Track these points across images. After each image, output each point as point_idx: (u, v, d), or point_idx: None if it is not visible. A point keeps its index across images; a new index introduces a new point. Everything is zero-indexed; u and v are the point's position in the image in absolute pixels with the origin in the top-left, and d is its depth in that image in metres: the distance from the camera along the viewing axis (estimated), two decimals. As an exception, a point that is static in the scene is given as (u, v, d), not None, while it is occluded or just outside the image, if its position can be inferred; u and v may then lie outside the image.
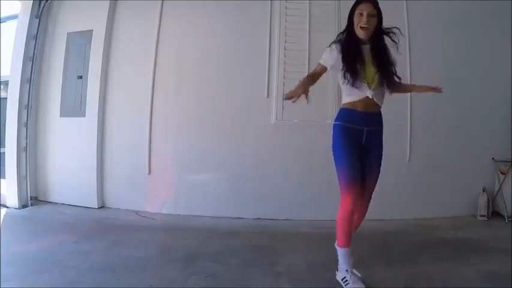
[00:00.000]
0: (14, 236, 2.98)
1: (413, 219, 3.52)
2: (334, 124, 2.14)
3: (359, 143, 2.09)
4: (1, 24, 4.19)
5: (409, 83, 3.62)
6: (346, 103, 2.11)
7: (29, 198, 3.89)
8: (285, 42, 3.70)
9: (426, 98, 3.64)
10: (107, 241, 2.89)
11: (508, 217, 3.52)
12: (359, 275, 2.09)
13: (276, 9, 3.72)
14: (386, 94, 2.15)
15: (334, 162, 2.10)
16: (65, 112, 4.00)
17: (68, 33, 4.01)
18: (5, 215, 3.61)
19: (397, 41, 2.11)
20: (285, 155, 3.68)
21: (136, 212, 3.74)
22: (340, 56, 2.06)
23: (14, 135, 3.84)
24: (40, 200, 4.01)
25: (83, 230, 3.20)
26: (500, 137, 3.69)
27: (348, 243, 2.07)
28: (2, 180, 3.97)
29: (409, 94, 3.63)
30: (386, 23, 3.90)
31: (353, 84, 2.04)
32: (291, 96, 1.87)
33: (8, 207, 3.82)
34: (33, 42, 3.92)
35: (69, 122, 3.97)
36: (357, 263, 2.29)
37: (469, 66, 3.68)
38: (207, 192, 3.73)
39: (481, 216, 3.59)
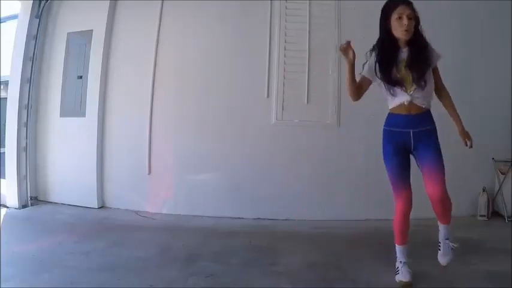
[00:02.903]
0: (14, 236, 2.98)
1: (414, 219, 3.49)
2: (383, 129, 2.19)
3: (406, 146, 2.12)
4: (1, 24, 4.19)
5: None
6: (391, 108, 2.13)
7: (29, 198, 3.89)
8: (285, 42, 3.70)
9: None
10: (107, 241, 2.88)
11: (508, 217, 3.51)
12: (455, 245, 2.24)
13: (276, 9, 3.72)
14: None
15: None
16: (65, 112, 4.00)
17: (68, 33, 4.01)
18: (5, 215, 3.61)
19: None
20: (285, 155, 3.68)
21: (137, 212, 3.74)
22: (376, 65, 2.06)
23: (14, 135, 3.84)
24: (40, 200, 4.01)
25: (83, 230, 3.20)
26: (500, 137, 3.68)
27: (401, 241, 2.23)
28: (2, 180, 3.97)
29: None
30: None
31: (391, 92, 2.07)
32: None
33: (8, 207, 3.82)
34: (33, 42, 3.92)
35: (69, 122, 3.97)
36: (357, 263, 2.30)
37: (469, 66, 3.68)
38: (207, 192, 3.73)
39: (481, 216, 3.58)
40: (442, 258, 2.27)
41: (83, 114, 3.91)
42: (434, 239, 3.01)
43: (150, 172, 3.82)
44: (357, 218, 3.54)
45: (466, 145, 2.26)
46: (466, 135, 2.27)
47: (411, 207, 2.20)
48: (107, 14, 3.87)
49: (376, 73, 2.07)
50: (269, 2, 3.72)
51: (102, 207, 3.89)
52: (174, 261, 2.53)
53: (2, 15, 3.91)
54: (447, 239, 2.26)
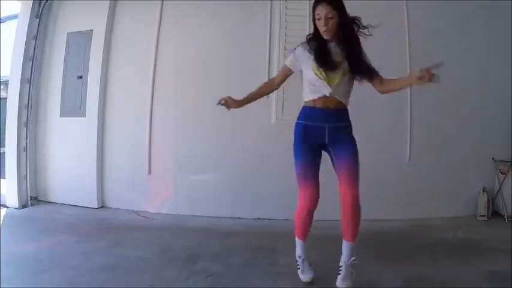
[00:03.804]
0: (14, 236, 2.98)
1: (414, 219, 3.52)
2: (296, 123, 2.18)
3: (320, 141, 2.10)
4: (1, 24, 4.19)
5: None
6: (307, 101, 2.12)
7: (29, 198, 3.89)
8: (285, 42, 3.70)
9: (426, 98, 3.67)
10: (107, 241, 2.89)
11: (508, 217, 3.52)
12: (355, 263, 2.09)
13: (276, 9, 3.72)
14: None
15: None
16: (65, 112, 4.00)
17: (68, 33, 4.01)
18: (5, 215, 3.61)
19: (362, 27, 2.07)
20: (284, 155, 3.65)
21: (137, 212, 3.74)
22: (304, 55, 2.08)
23: (14, 135, 3.84)
24: (40, 200, 4.01)
25: (83, 230, 3.20)
26: (500, 137, 3.69)
27: (301, 236, 2.23)
28: (2, 180, 3.97)
29: (409, 95, 3.65)
30: (386, 23, 3.89)
31: (313, 82, 2.06)
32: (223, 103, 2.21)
33: (8, 207, 3.82)
34: (33, 42, 3.91)
35: (69, 122, 3.97)
36: (356, 263, 2.29)
37: (469, 66, 3.68)
38: (207, 192, 3.73)
39: (481, 216, 3.59)
40: (341, 283, 2.05)
41: (83, 114, 3.91)
42: (432, 239, 3.04)
43: (150, 172, 3.82)
44: (356, 218, 3.53)
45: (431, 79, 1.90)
46: (423, 72, 1.92)
47: (316, 205, 2.12)
48: (107, 14, 3.87)
49: (301, 63, 2.08)
50: (269, 2, 3.72)
51: (102, 207, 3.89)
52: (174, 261, 2.53)
53: (2, 15, 3.91)
54: (351, 259, 2.06)
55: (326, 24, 1.99)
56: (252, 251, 2.76)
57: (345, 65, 2.03)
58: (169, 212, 3.73)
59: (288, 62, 2.16)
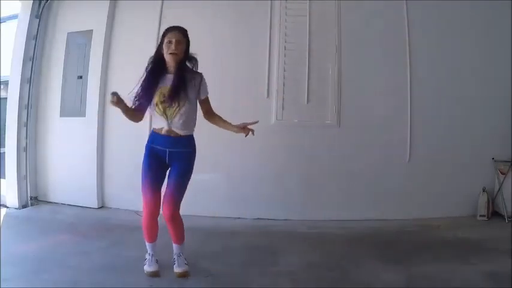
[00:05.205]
0: (14, 236, 2.98)
1: (413, 219, 3.52)
2: (145, 144, 2.43)
3: (162, 161, 2.35)
4: (1, 24, 4.19)
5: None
6: (154, 128, 2.36)
7: (29, 198, 3.89)
8: (285, 42, 3.70)
9: (426, 98, 3.67)
10: (107, 241, 2.89)
11: (508, 217, 3.52)
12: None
13: (276, 9, 3.72)
14: None
15: None
16: (65, 112, 3.99)
17: (68, 33, 4.01)
18: (5, 215, 3.61)
19: (193, 65, 2.34)
20: (284, 155, 3.68)
21: (136, 212, 3.73)
22: (140, 87, 2.28)
23: (14, 135, 3.84)
24: (40, 200, 4.01)
25: (83, 230, 3.20)
26: (500, 137, 3.69)
27: (150, 239, 2.44)
28: (2, 180, 3.96)
29: (409, 94, 3.65)
30: (386, 23, 3.90)
31: (156, 114, 2.27)
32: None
33: (8, 207, 3.82)
34: (33, 42, 3.91)
35: (69, 122, 3.97)
36: (356, 263, 2.29)
37: (469, 66, 3.68)
38: (207, 192, 3.72)
39: (481, 216, 3.59)
40: (178, 269, 2.35)
41: (83, 114, 3.90)
42: (432, 239, 3.04)
43: (150, 172, 3.82)
44: (356, 218, 3.54)
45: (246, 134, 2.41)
46: (241, 127, 2.43)
47: (158, 212, 2.37)
48: (107, 14, 3.87)
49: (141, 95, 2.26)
50: (269, 2, 3.72)
51: (102, 207, 3.89)
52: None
53: (2, 15, 3.91)
54: (180, 255, 2.38)
55: (176, 47, 2.20)
56: (252, 251, 2.76)
57: (182, 96, 2.22)
58: (169, 212, 3.72)
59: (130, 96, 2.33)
